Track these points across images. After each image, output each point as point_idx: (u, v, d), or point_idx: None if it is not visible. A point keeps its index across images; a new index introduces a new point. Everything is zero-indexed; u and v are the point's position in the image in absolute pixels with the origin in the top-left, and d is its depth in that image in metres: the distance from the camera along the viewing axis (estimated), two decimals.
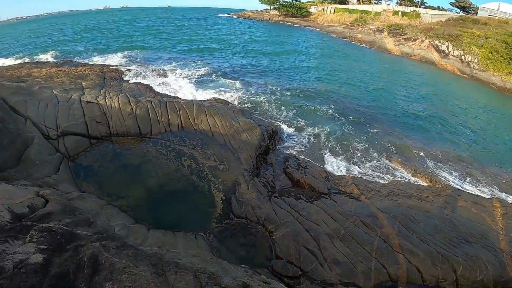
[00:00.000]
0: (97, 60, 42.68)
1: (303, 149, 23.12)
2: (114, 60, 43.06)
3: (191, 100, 24.05)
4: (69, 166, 17.04)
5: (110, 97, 22.16)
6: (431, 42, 68.25)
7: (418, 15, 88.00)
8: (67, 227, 7.33)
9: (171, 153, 18.91)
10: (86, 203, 12.70)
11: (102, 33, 74.03)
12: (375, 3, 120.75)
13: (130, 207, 14.50)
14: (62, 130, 18.55)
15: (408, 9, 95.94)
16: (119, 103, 21.61)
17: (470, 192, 21.12)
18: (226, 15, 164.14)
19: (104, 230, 8.81)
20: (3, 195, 9.66)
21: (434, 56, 66.13)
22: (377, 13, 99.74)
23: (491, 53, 59.27)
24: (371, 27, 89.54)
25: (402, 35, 75.67)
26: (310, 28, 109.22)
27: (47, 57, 47.35)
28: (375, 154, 24.31)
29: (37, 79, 26.19)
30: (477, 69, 59.89)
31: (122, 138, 19.91)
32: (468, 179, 23.07)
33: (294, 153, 22.44)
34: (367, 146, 25.16)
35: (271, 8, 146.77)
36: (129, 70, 34.29)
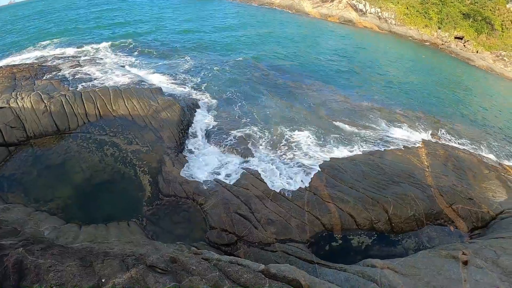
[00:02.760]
0: (5, 61, 39.05)
1: (226, 117, 23.80)
2: (27, 58, 39.63)
3: (107, 87, 23.45)
4: None
5: (22, 98, 20.95)
6: (349, 2, 70.14)
7: None
8: None
9: (92, 145, 18.69)
10: (12, 214, 12.59)
11: (11, 32, 66.75)
12: None
13: (60, 208, 14.46)
14: None
15: None
16: (31, 102, 20.51)
17: (395, 137, 23.33)
18: None
19: (31, 236, 9.06)
20: None
21: (353, 15, 68.37)
22: None
23: (407, 8, 63.44)
24: None
25: None
26: None
27: None
28: (298, 111, 25.58)
29: None
30: (395, 24, 64.03)
31: (41, 139, 19.13)
32: (392, 125, 25.27)
33: (218, 122, 23.08)
34: (291, 107, 26.26)
35: None
36: (42, 67, 32.05)
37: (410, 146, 21.84)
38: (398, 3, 65.16)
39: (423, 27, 60.89)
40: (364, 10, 68.18)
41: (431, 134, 24.68)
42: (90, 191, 15.69)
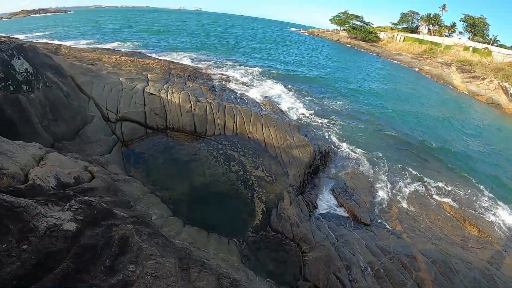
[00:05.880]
0: (165, 56, 44.39)
1: (353, 175, 21.93)
2: (182, 59, 44.69)
3: (250, 108, 24.24)
4: (122, 149, 17.88)
5: (172, 93, 22.90)
6: (500, 83, 61.88)
7: (489, 53, 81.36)
8: (106, 205, 7.47)
9: (221, 156, 19.17)
10: (130, 187, 13.04)
11: (174, 34, 76.94)
12: (446, 36, 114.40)
13: (172, 199, 14.74)
14: (121, 115, 19.54)
15: (480, 46, 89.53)
16: (179, 99, 22.28)
17: None
18: (294, 29, 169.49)
19: (141, 216, 8.90)
20: (54, 163, 10.17)
21: (502, 98, 60.10)
22: (447, 46, 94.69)
23: None
24: (439, 60, 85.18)
25: (471, 72, 70.08)
26: (377, 54, 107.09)
27: (118, 45, 50.69)
28: (428, 191, 22.53)
29: (106, 65, 27.74)
30: None
31: (177, 133, 20.53)
32: None
33: (344, 177, 21.47)
34: (420, 181, 23.43)
35: (341, 29, 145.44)
36: (196, 71, 35.19)
37: None
38: None
39: None
40: None
41: None
42: (204, 196, 15.79)
